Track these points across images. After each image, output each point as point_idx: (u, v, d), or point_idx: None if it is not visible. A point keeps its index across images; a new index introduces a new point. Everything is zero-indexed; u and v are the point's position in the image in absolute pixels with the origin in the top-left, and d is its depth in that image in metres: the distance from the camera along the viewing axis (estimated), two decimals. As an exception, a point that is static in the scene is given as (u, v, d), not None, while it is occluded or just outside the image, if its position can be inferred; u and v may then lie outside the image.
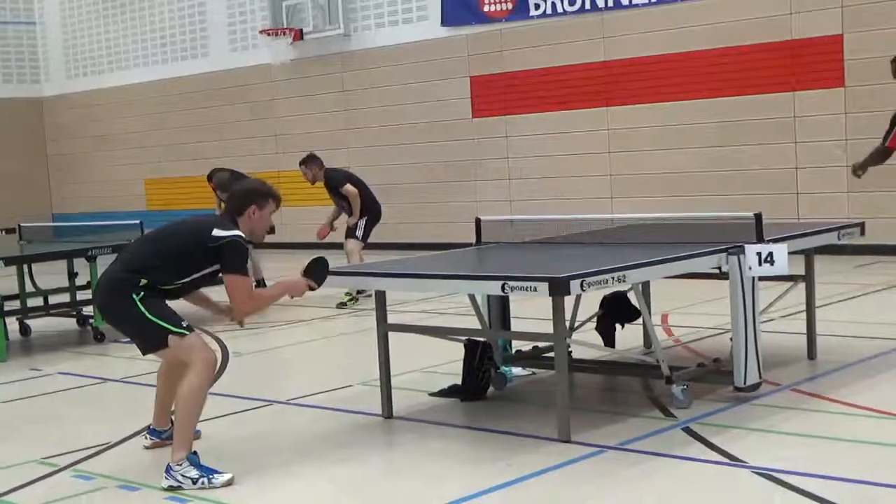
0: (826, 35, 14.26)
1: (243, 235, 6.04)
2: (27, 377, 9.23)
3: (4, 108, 23.66)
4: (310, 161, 12.82)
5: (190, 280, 6.10)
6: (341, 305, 12.01)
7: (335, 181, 12.70)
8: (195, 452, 5.84)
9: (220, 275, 6.01)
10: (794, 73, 14.49)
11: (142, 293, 5.93)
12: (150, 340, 6.04)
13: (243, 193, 6.29)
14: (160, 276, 6.02)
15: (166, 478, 5.73)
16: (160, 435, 6.52)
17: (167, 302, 6.09)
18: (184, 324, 6.00)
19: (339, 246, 12.54)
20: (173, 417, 6.27)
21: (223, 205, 7.77)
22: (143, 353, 6.19)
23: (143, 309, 5.93)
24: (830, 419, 6.42)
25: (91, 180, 23.72)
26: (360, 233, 12.52)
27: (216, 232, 5.97)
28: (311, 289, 6.36)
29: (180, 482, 5.70)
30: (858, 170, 8.92)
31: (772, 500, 5.07)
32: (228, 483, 5.72)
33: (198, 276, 6.10)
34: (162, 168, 22.18)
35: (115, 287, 6.04)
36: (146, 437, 6.59)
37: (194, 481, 5.70)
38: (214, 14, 21.23)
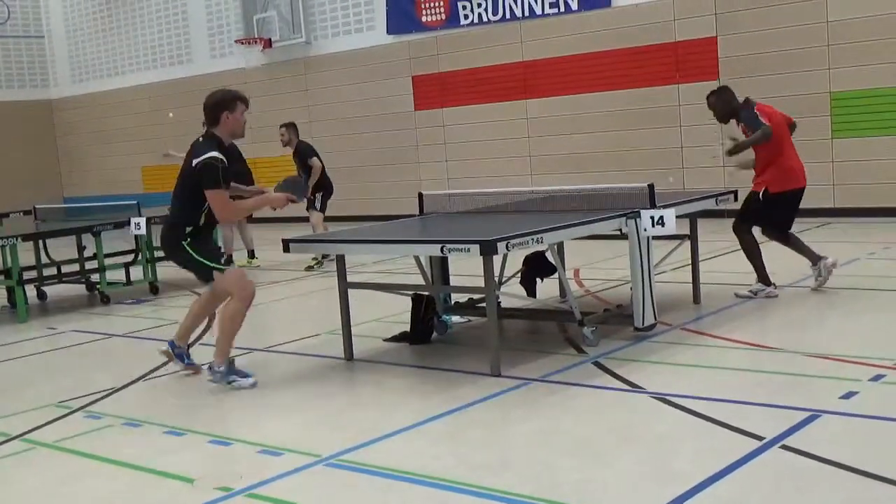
0: (703, 37, 14.33)
1: (216, 156, 6.08)
2: (45, 335, 9.08)
3: (19, 109, 23.38)
4: (290, 126, 12.51)
5: (207, 208, 6.18)
6: (309, 269, 11.91)
7: (305, 153, 12.31)
8: (232, 359, 6.28)
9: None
10: (678, 69, 14.55)
11: (188, 238, 6.20)
12: (203, 276, 6.36)
13: (213, 105, 6.32)
14: (190, 218, 6.20)
15: (209, 376, 6.27)
16: (174, 349, 6.70)
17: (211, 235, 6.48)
18: (223, 260, 6.35)
19: (304, 218, 12.44)
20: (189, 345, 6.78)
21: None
22: (205, 283, 6.48)
23: (191, 251, 6.23)
24: (713, 352, 6.49)
25: (95, 168, 23.39)
26: (318, 205, 12.25)
27: (194, 162, 6.12)
28: (293, 201, 6.46)
29: (218, 381, 6.22)
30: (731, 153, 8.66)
31: (665, 419, 5.11)
32: (253, 385, 6.22)
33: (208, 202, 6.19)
34: (155, 157, 21.85)
35: (168, 241, 6.31)
36: (167, 345, 6.77)
37: (228, 381, 6.21)
38: (196, 27, 20.93)
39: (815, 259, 8.20)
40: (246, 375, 6.28)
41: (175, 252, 6.32)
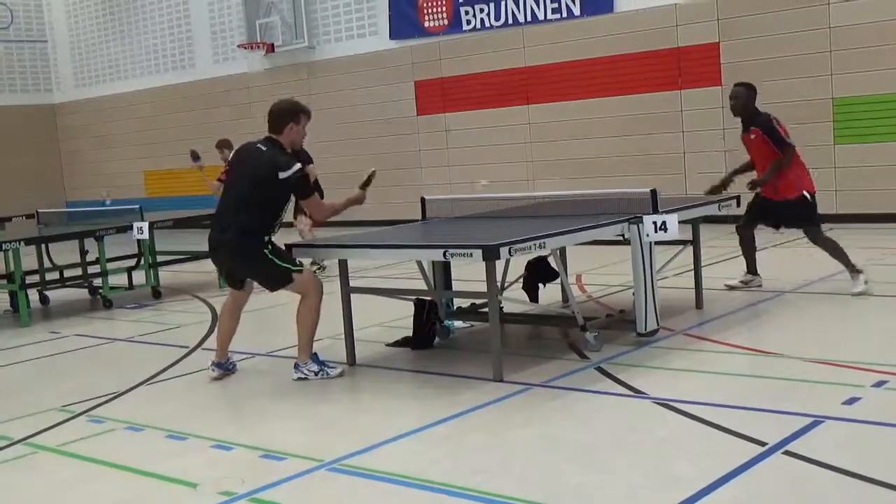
0: (705, 43, 14.34)
1: (301, 166, 6.29)
2: (47, 339, 9.08)
3: (22, 113, 23.42)
4: (222, 145, 12.24)
5: (283, 212, 6.33)
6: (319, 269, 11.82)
7: (303, 159, 12.14)
8: (315, 353, 6.45)
9: (299, 201, 6.46)
10: (681, 74, 14.57)
11: (269, 246, 6.25)
12: (281, 280, 6.34)
13: (280, 114, 6.42)
14: (268, 226, 6.25)
15: (295, 372, 6.42)
16: (223, 366, 6.70)
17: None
18: (298, 261, 6.42)
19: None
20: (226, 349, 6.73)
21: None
22: (272, 291, 6.54)
23: (273, 258, 6.26)
24: (715, 357, 6.48)
25: (97, 173, 23.39)
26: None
27: (282, 175, 6.18)
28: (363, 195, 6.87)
29: (306, 374, 6.40)
30: (720, 188, 8.86)
31: (667, 424, 5.10)
32: (340, 374, 6.48)
33: (285, 205, 6.32)
34: (158, 161, 21.90)
35: (245, 250, 6.27)
36: (212, 370, 6.69)
37: (316, 373, 6.40)
38: (199, 31, 20.95)
39: (851, 267, 8.30)
40: (332, 366, 6.48)
41: (254, 260, 6.30)
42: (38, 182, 23.26)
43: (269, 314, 9.32)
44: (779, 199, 8.33)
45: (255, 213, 6.27)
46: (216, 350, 6.80)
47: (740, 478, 4.20)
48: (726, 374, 6.06)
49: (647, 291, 6.81)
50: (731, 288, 8.64)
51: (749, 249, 8.73)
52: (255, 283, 6.69)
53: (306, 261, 7.31)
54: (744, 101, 8.44)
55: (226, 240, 6.33)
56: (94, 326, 9.61)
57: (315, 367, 6.43)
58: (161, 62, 21.80)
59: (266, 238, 6.28)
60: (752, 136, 8.42)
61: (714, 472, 4.25)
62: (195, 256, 11.98)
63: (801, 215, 8.36)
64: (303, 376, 6.39)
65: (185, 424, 5.70)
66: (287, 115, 6.41)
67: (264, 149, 6.40)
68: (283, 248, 6.55)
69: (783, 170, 8.25)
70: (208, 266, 11.29)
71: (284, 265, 6.31)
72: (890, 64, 12.86)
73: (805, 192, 8.31)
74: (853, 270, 8.24)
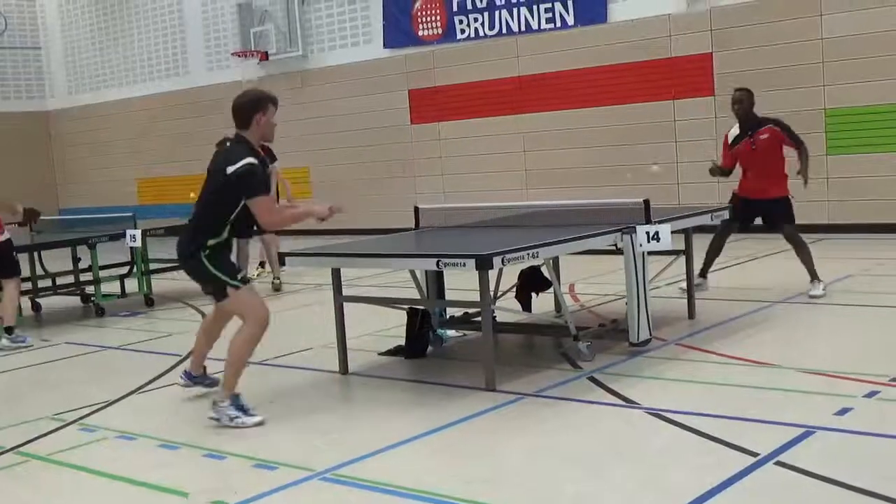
0: (699, 53, 14.39)
1: (253, 161, 5.66)
2: (39, 347, 9.05)
3: (15, 120, 23.36)
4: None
5: (234, 217, 5.75)
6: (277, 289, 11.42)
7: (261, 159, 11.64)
8: (238, 394, 5.78)
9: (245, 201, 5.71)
10: (674, 84, 14.60)
11: (207, 251, 5.74)
12: (217, 291, 5.90)
13: (244, 106, 5.82)
14: (215, 230, 5.75)
15: (212, 411, 5.75)
16: (192, 378, 6.45)
17: (232, 252, 6.01)
18: (238, 276, 5.83)
19: (300, 232, 12.40)
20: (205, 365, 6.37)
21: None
22: (218, 302, 6.04)
23: (207, 264, 5.76)
24: (707, 367, 6.49)
25: (90, 180, 23.36)
26: None
27: (229, 169, 5.63)
28: (338, 211, 6.20)
29: (219, 418, 5.71)
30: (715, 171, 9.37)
31: (660, 434, 5.10)
32: (258, 424, 5.69)
33: (238, 210, 5.73)
34: (151, 169, 21.88)
35: (184, 249, 5.82)
36: (181, 378, 6.49)
37: (231, 419, 5.69)
38: (193, 39, 20.96)
39: (813, 273, 8.71)
40: (252, 414, 5.77)
41: (188, 262, 5.88)
42: (31, 189, 23.06)
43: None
44: (767, 198, 8.81)
45: (204, 215, 5.85)
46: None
47: (732, 488, 4.20)
48: (719, 385, 6.06)
49: (639, 301, 6.81)
50: (683, 290, 8.45)
51: (714, 252, 9.02)
52: None
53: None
54: (747, 105, 8.87)
55: (177, 244, 5.99)
56: (87, 334, 9.58)
57: (232, 412, 5.71)
58: (155, 70, 21.79)
59: (209, 242, 5.76)
60: (764, 136, 8.80)
61: (706, 482, 4.25)
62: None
63: (786, 214, 8.83)
64: (215, 418, 5.72)
65: (176, 433, 5.69)
66: (252, 106, 5.81)
67: (229, 146, 6.00)
68: (234, 260, 6.08)
69: (776, 160, 8.82)
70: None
71: (217, 273, 5.79)
72: (881, 75, 12.91)
73: (789, 192, 8.91)
74: (814, 277, 8.65)
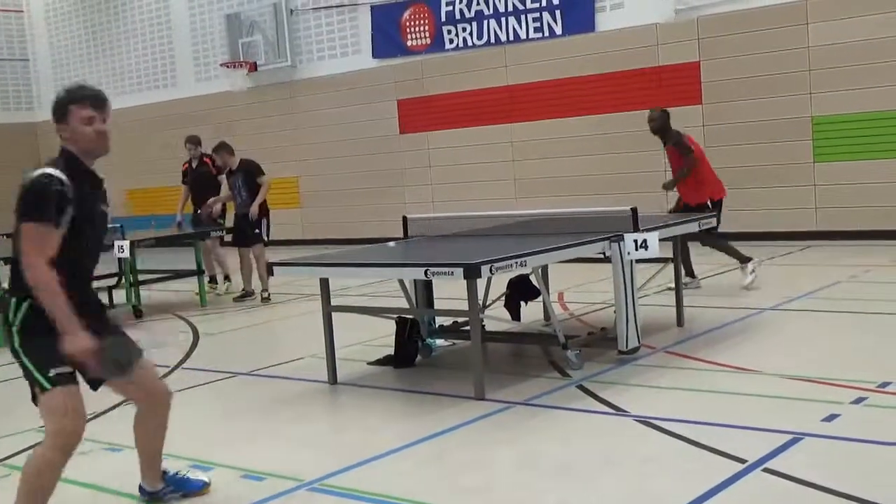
0: (686, 62, 14.44)
1: (50, 173, 4.13)
2: (27, 358, 8.99)
3: (3, 132, 23.30)
4: (222, 147, 11.48)
5: (60, 263, 3.85)
6: (238, 300, 11.51)
7: (254, 170, 11.40)
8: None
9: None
10: (662, 92, 14.63)
11: (17, 318, 4.04)
12: (31, 388, 3.99)
13: (59, 101, 4.40)
14: (22, 281, 3.95)
15: None
16: (148, 494, 4.66)
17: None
18: (52, 372, 3.89)
19: (285, 242, 12.38)
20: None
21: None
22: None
23: (16, 344, 4.03)
24: (696, 375, 6.50)
25: (79, 191, 23.27)
26: (266, 234, 11.35)
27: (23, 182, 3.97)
28: (92, 352, 3.82)
29: None
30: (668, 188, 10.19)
31: (649, 442, 5.11)
32: None
33: (57, 248, 3.91)
34: (140, 180, 21.83)
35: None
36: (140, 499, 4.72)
37: None
38: (182, 50, 20.96)
39: (743, 259, 9.58)
40: None
41: (6, 338, 4.10)
42: (19, 201, 23.18)
43: (248, 333, 9.31)
44: (693, 204, 9.62)
45: (13, 264, 4.08)
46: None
47: (720, 495, 4.20)
48: (707, 392, 6.07)
49: (628, 309, 6.82)
50: (670, 289, 8.55)
51: (685, 263, 9.47)
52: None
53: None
54: (661, 123, 9.87)
55: None
56: (75, 346, 9.52)
57: None
58: (143, 81, 21.77)
59: (24, 304, 4.02)
60: (670, 153, 9.93)
61: (694, 489, 4.25)
62: (177, 275, 11.94)
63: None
64: None
65: (164, 445, 5.66)
66: (65, 99, 4.40)
67: None
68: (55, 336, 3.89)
69: (691, 177, 9.68)
70: (190, 285, 11.22)
71: (28, 364, 4.00)
72: (868, 83, 12.98)
73: (708, 200, 9.71)
74: (744, 263, 9.48)
